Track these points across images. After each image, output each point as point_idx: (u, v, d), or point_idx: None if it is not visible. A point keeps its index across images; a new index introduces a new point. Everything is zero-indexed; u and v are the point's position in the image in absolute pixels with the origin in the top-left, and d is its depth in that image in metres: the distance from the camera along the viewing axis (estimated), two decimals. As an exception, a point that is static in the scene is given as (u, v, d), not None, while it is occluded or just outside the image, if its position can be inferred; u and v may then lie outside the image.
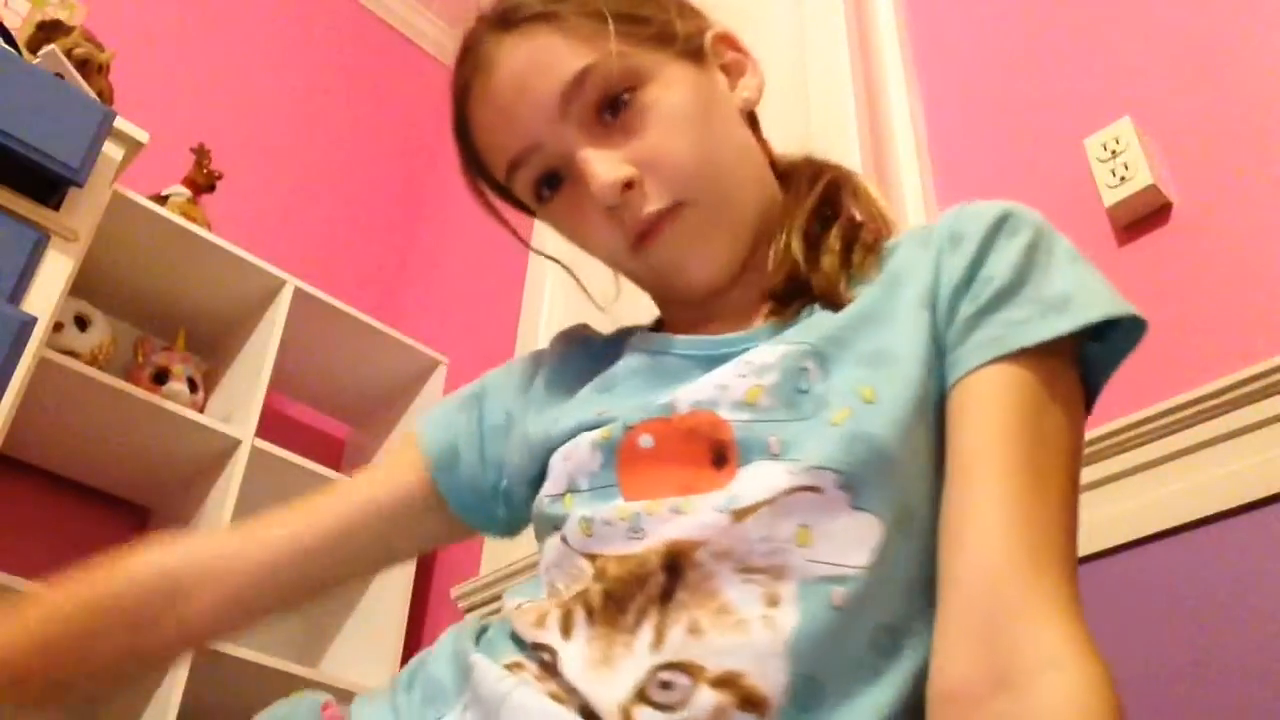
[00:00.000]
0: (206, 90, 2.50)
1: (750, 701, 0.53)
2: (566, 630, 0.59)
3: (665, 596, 0.57)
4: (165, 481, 1.93)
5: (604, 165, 0.68)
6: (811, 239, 0.71)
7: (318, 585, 0.79)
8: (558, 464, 0.68)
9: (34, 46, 1.76)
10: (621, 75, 0.69)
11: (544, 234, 0.90)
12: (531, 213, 0.80)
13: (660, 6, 0.74)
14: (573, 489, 0.66)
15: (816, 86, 1.50)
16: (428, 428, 0.80)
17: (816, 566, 0.56)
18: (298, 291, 2.05)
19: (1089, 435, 1.14)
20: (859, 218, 0.74)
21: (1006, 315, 0.62)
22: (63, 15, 1.91)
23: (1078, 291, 0.62)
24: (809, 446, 0.59)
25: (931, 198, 1.51)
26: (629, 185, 0.68)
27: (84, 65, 1.74)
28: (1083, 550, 1.09)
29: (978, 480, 0.58)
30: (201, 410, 1.94)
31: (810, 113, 1.49)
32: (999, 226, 0.65)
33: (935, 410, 0.62)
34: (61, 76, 1.67)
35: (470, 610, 1.87)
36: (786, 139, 1.50)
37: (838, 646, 0.55)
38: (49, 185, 1.55)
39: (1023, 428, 0.59)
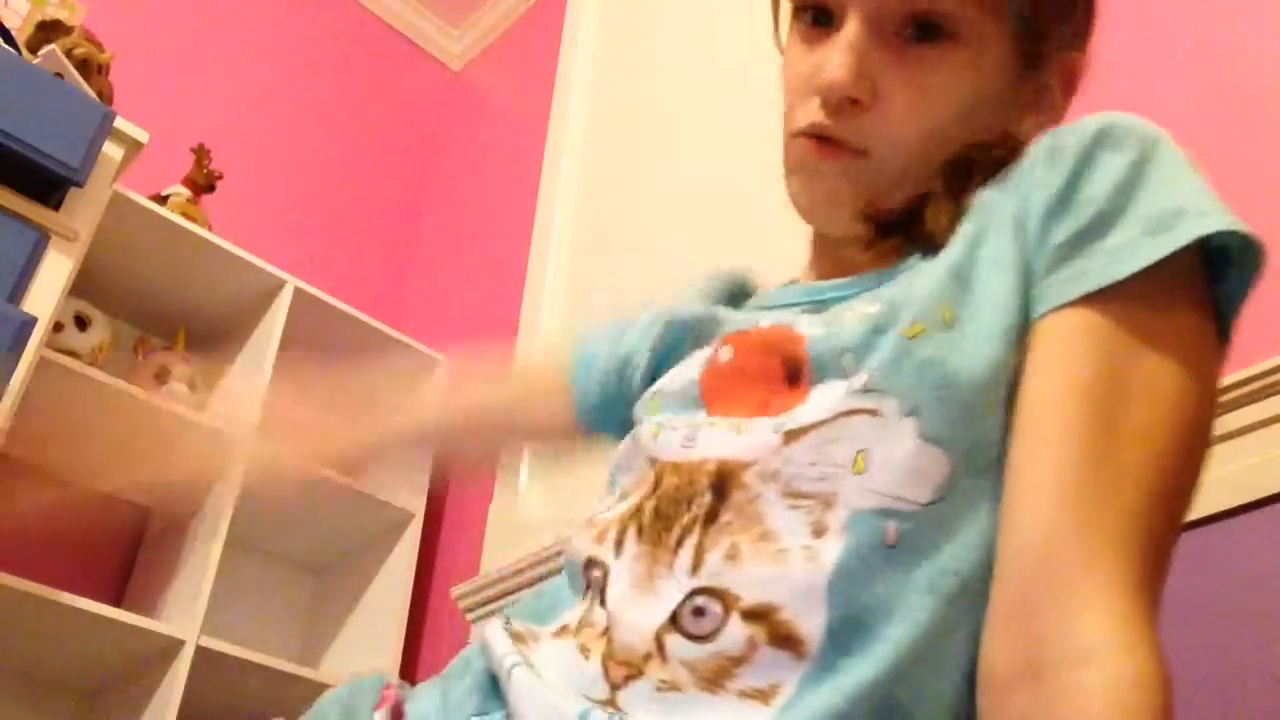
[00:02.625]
0: (206, 90, 2.50)
1: (784, 638, 0.49)
2: (619, 546, 0.57)
3: (710, 517, 0.54)
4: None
5: (853, 63, 0.62)
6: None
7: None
8: (667, 372, 0.66)
9: (34, 46, 1.76)
10: (953, 14, 0.62)
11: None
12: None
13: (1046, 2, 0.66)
14: (662, 391, 0.64)
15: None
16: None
17: (871, 497, 0.51)
18: (298, 291, 2.05)
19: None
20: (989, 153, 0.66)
21: (1104, 244, 0.54)
22: (63, 15, 1.91)
23: (1187, 205, 0.53)
24: (875, 363, 0.54)
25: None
26: (854, 101, 0.62)
27: (84, 65, 1.74)
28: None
29: (1037, 436, 0.51)
30: (201, 410, 1.94)
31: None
32: (1100, 140, 0.57)
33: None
34: (61, 76, 1.67)
35: (469, 610, 1.87)
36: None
37: (889, 587, 0.50)
38: (49, 185, 1.54)
39: (1100, 378, 0.51)
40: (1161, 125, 1.38)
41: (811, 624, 0.49)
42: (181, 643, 1.61)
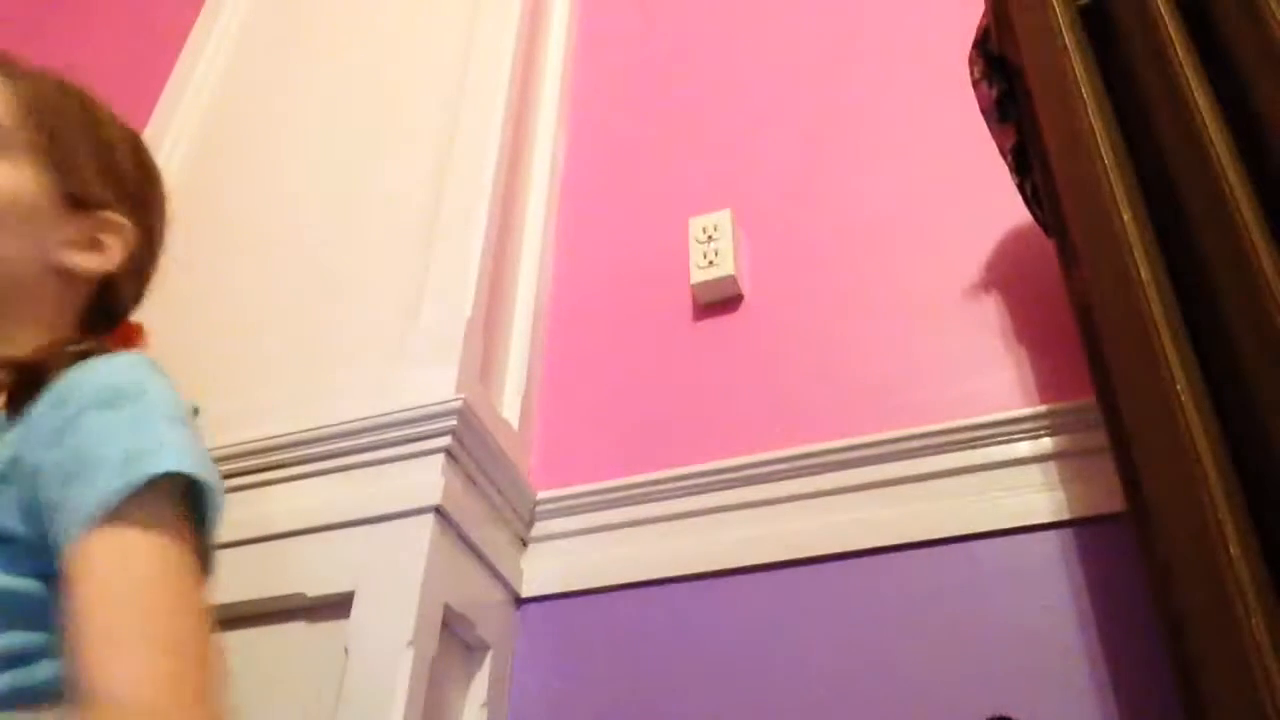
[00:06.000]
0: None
1: None
2: None
3: None
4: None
5: None
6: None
7: None
8: None
9: None
10: None
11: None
12: None
13: (74, 147, 0.80)
14: None
15: (471, 97, 1.52)
16: None
17: None
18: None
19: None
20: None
21: (89, 487, 0.63)
22: None
23: (145, 447, 0.64)
24: None
25: (551, 229, 1.56)
26: None
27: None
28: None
29: (81, 630, 0.62)
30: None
31: (459, 120, 1.50)
32: (98, 397, 0.67)
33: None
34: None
35: None
36: (436, 141, 1.49)
37: None
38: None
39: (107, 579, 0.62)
40: (755, 221, 1.49)
41: None
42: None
